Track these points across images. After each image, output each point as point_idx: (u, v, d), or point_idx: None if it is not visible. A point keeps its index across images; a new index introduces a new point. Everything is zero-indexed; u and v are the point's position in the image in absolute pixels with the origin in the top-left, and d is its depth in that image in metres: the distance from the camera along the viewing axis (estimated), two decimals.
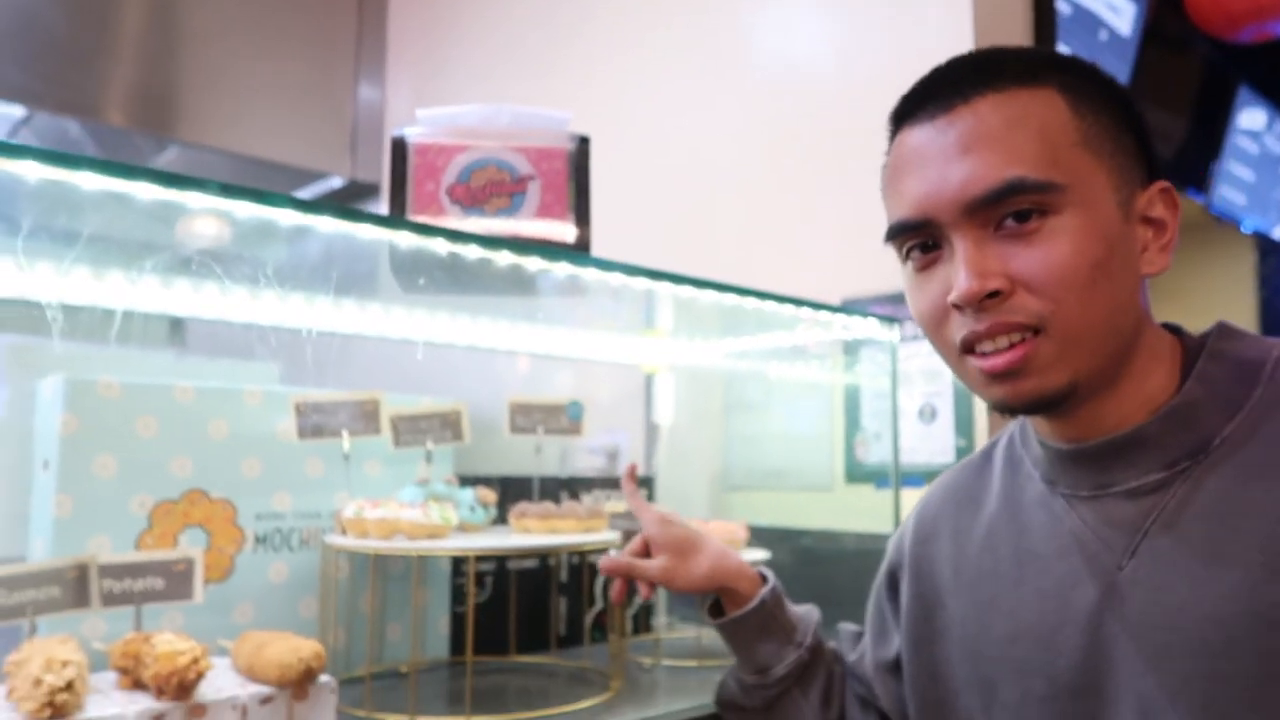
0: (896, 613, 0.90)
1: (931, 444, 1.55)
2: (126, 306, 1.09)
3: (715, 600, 0.98)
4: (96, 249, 1.01)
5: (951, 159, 0.68)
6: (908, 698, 0.86)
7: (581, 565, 1.46)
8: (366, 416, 1.20)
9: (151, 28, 2.52)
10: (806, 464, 1.71)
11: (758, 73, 1.89)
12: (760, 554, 1.37)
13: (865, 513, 1.60)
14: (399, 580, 1.28)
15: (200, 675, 0.83)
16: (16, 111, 2.40)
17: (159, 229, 0.97)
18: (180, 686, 0.81)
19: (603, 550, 1.17)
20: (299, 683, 0.88)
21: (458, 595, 1.34)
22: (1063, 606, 0.72)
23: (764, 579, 0.98)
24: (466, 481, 1.31)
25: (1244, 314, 3.40)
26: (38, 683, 0.76)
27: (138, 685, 0.86)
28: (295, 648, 0.88)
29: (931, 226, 0.70)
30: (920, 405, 1.56)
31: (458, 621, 1.33)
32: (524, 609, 1.39)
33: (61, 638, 0.85)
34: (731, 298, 1.26)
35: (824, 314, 1.41)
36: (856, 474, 1.64)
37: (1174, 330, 0.75)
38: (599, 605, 1.47)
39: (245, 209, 0.88)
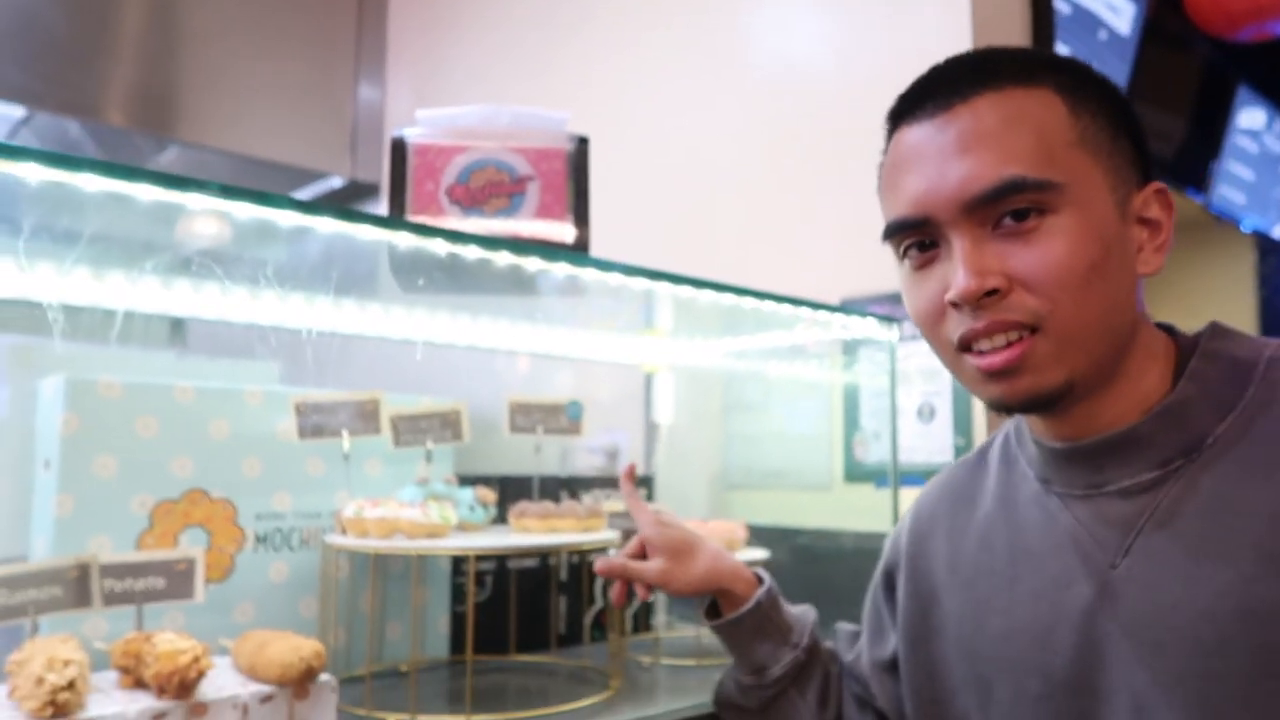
0: (893, 612, 0.90)
1: (930, 443, 1.55)
2: (127, 307, 1.10)
3: (713, 601, 0.98)
4: (97, 249, 1.02)
5: (950, 157, 0.69)
6: (905, 696, 0.87)
7: (581, 564, 1.46)
8: (366, 416, 1.20)
9: (151, 28, 2.52)
10: (805, 463, 1.71)
11: (757, 72, 1.89)
12: (759, 553, 1.38)
13: (864, 512, 1.60)
14: (399, 579, 1.28)
15: (201, 674, 0.83)
16: (16, 112, 2.40)
17: (159, 229, 0.97)
18: (181, 685, 0.82)
19: (602, 550, 1.18)
20: (300, 682, 0.88)
21: (458, 594, 1.34)
22: (1057, 605, 0.72)
23: (760, 580, 0.97)
24: (466, 481, 1.31)
25: (1244, 313, 3.39)
26: (40, 681, 0.76)
27: (139, 684, 0.87)
28: (296, 647, 0.89)
29: (929, 225, 0.70)
30: (919, 404, 1.57)
31: (458, 621, 1.34)
32: (524, 608, 1.40)
33: (63, 637, 0.85)
34: (730, 297, 1.27)
35: (823, 314, 1.41)
36: (855, 473, 1.64)
37: (1167, 330, 0.76)
38: (599, 604, 1.48)
39: (245, 210, 0.88)
